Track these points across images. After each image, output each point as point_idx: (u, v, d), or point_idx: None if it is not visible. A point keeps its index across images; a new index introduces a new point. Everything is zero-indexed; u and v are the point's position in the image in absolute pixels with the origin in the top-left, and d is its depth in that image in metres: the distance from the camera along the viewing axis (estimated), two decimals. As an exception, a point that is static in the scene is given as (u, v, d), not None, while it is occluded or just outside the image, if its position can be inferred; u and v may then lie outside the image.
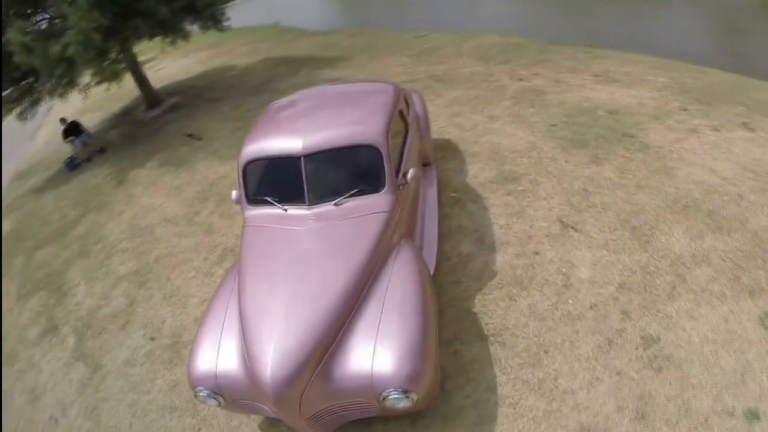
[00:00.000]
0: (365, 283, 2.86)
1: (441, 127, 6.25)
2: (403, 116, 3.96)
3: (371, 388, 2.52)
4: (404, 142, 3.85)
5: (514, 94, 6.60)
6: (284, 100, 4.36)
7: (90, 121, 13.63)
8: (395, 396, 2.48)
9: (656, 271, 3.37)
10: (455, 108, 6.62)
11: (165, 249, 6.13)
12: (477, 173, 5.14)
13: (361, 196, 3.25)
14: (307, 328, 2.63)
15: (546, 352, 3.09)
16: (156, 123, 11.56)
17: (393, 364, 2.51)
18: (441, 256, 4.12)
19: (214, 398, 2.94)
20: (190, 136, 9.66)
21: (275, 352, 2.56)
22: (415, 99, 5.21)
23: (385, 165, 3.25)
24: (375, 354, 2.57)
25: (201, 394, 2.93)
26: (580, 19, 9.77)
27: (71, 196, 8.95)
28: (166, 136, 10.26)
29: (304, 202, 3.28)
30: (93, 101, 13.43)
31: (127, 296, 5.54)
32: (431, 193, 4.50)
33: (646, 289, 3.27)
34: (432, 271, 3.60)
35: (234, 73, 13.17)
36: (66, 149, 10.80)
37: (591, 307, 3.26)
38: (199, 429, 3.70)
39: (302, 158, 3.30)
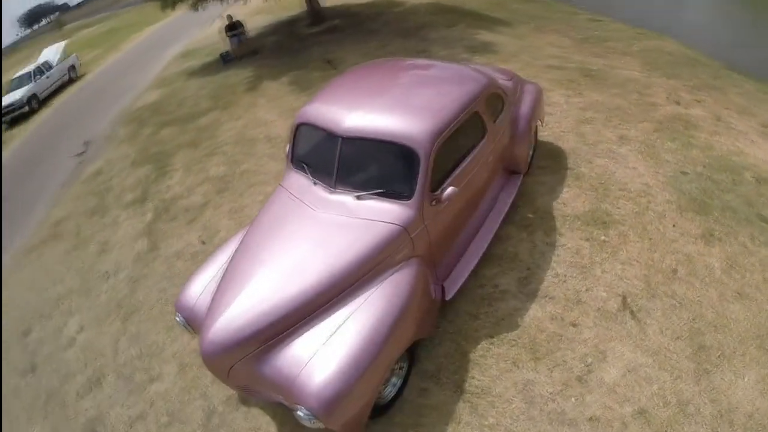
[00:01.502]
0: (340, 290, 2.80)
1: (562, 132, 5.53)
2: (480, 119, 3.54)
3: (289, 394, 2.53)
4: (469, 151, 3.47)
5: (661, 117, 5.48)
6: (366, 66, 4.22)
7: (258, 23, 15.02)
8: (303, 414, 2.46)
9: (694, 415, 2.66)
10: (589, 114, 5.76)
11: (253, 165, 6.66)
12: (569, 200, 4.49)
13: (384, 199, 3.07)
14: (264, 310, 2.71)
15: (510, 441, 2.72)
16: (308, 40, 12.24)
17: (317, 383, 2.45)
18: (476, 281, 3.80)
19: (186, 327, 3.27)
20: (328, 62, 10.06)
21: (223, 320, 2.70)
22: (528, 93, 4.61)
23: (420, 174, 2.98)
24: (309, 363, 2.54)
25: (177, 318, 3.32)
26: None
27: (210, 88, 10.14)
28: (310, 55, 10.83)
29: (331, 184, 3.25)
30: (268, 4, 14.62)
31: (205, 197, 6.22)
32: (500, 207, 4.08)
33: (669, 432, 2.62)
34: (448, 296, 3.36)
35: (398, 10, 13.13)
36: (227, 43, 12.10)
37: (590, 419, 2.74)
38: (190, 342, 4.12)
39: (340, 139, 3.22)
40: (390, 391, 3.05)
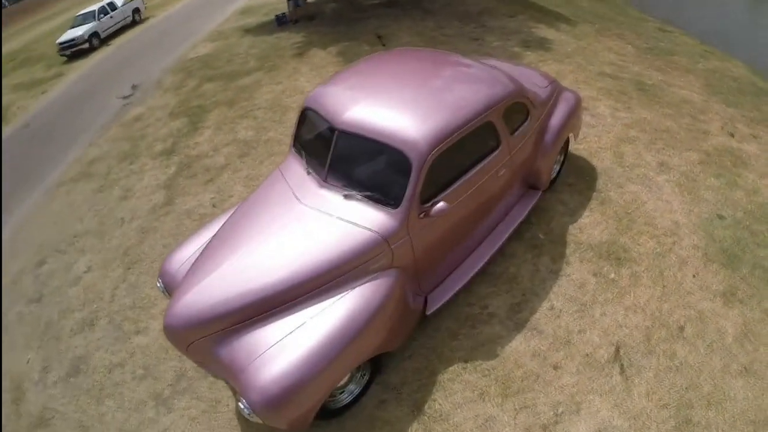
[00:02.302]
0: (307, 290, 2.68)
1: (599, 148, 5.05)
2: (494, 130, 3.22)
3: (236, 382, 2.49)
4: (475, 164, 3.17)
5: (710, 148, 4.90)
6: (388, 54, 3.93)
7: (322, -13, 14.62)
8: (243, 406, 2.41)
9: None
10: (632, 132, 5.23)
11: (279, 134, 6.57)
12: (587, 227, 4.12)
13: (371, 202, 2.89)
14: (229, 296, 2.65)
15: (454, 477, 2.55)
16: (366, 12, 11.85)
17: (262, 378, 2.39)
18: (465, 298, 3.58)
19: (165, 293, 3.26)
20: (379, 37, 9.72)
21: (189, 297, 2.67)
22: (564, 103, 4.20)
23: (410, 183, 2.76)
24: (261, 356, 2.48)
25: (158, 284, 3.32)
26: None
27: (261, 48, 10.04)
28: (364, 28, 10.49)
29: (323, 177, 3.10)
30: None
31: (227, 159, 6.20)
32: (509, 223, 3.78)
33: None
34: (429, 311, 3.18)
35: (464, -9, 12.42)
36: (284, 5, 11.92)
37: (544, 475, 2.52)
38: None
39: (336, 132, 3.04)
40: (346, 398, 2.97)
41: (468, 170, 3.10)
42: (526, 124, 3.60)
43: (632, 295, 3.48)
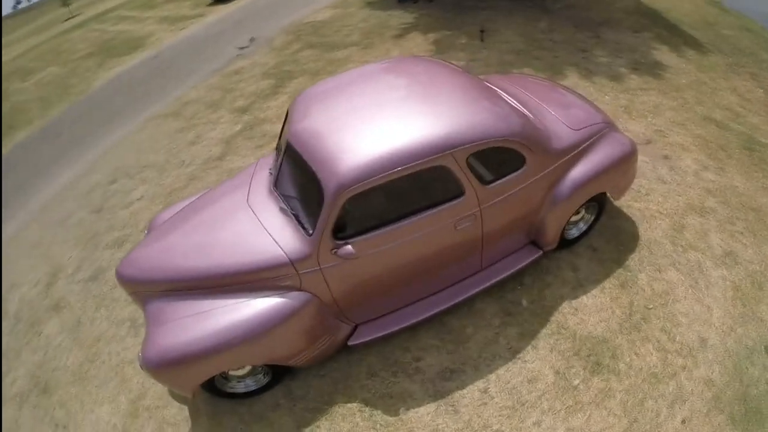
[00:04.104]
0: (222, 284, 2.70)
1: (657, 213, 3.87)
2: (451, 177, 2.66)
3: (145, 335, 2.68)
4: (417, 211, 2.69)
5: None
6: (386, 63, 3.38)
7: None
8: (139, 356, 2.58)
9: None
10: (710, 202, 3.93)
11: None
12: (584, 309, 3.23)
13: (296, 223, 2.73)
14: (167, 265, 2.79)
15: None
16: (484, 2, 10.70)
17: (159, 342, 2.53)
18: (404, 342, 3.20)
19: None
20: (481, 32, 8.76)
21: (135, 257, 2.91)
22: (605, 151, 3.24)
23: (322, 214, 2.51)
24: (167, 324, 2.60)
25: (145, 232, 3.54)
26: None
27: (370, 23, 9.70)
28: (473, 19, 9.56)
29: (273, 183, 3.00)
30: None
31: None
32: (481, 279, 3.20)
33: None
34: (351, 342, 2.97)
35: (605, -5, 10.53)
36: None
37: None
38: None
39: (287, 142, 2.88)
40: (240, 388, 3.00)
41: (406, 216, 2.68)
42: (517, 173, 2.90)
43: (586, 415, 2.66)
